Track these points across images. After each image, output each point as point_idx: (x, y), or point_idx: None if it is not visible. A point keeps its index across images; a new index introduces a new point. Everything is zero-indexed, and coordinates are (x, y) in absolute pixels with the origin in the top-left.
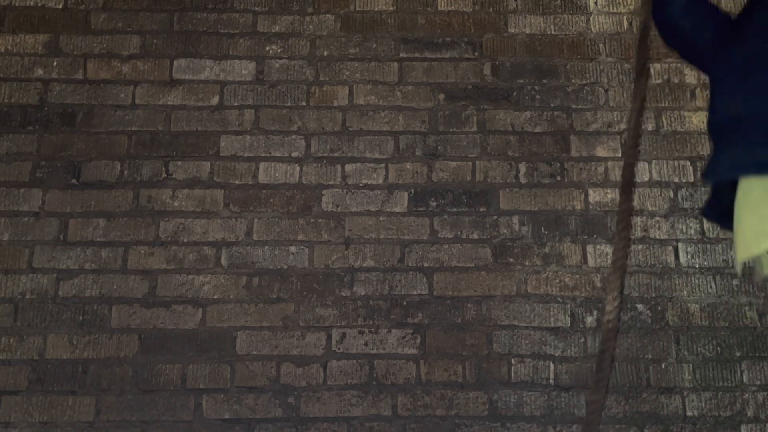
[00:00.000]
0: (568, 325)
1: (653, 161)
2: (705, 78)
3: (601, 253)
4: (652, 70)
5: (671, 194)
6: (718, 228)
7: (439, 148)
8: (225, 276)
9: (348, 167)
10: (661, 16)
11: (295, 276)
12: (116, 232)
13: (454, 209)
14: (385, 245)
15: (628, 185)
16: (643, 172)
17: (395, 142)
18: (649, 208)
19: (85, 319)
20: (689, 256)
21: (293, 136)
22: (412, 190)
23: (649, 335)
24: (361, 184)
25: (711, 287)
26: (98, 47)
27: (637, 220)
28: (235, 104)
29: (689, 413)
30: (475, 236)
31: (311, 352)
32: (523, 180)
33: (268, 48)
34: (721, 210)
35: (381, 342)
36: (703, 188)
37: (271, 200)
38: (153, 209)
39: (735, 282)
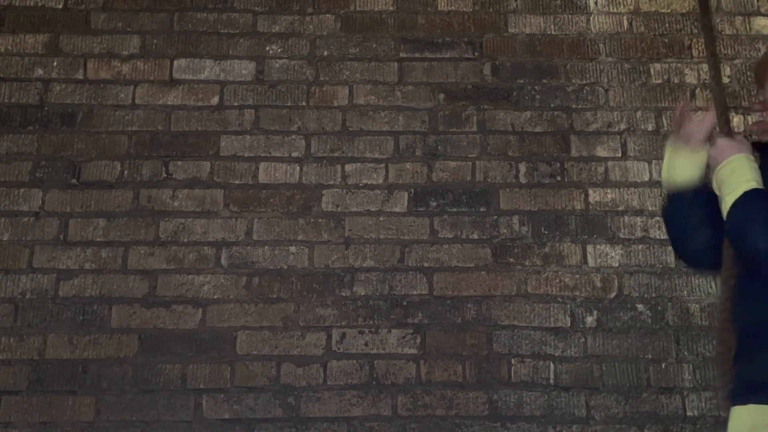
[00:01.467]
0: (568, 325)
1: (653, 161)
2: (705, 77)
3: (601, 253)
4: (651, 70)
5: None
6: None
7: (439, 148)
8: (225, 276)
9: (348, 167)
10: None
11: (295, 276)
12: (116, 232)
13: (454, 209)
14: (385, 245)
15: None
16: (642, 172)
17: (395, 142)
18: (649, 208)
19: (85, 319)
20: None
21: (293, 136)
22: (412, 190)
23: (649, 335)
24: (361, 184)
25: (711, 287)
26: (98, 47)
27: (637, 220)
28: (235, 104)
29: (689, 413)
30: (475, 236)
31: (311, 352)
32: (523, 180)
33: (268, 48)
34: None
35: (381, 342)
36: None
37: (271, 200)
38: (153, 209)
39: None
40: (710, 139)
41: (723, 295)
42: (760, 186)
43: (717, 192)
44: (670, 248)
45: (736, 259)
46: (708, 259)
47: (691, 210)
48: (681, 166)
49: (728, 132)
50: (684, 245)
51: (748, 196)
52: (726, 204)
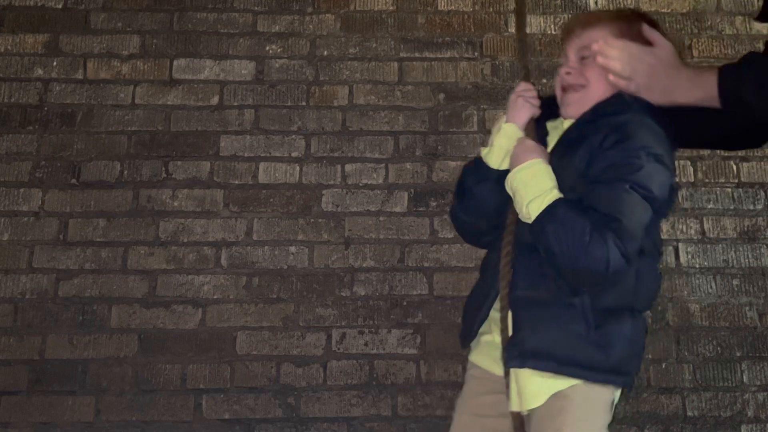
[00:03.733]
0: None
1: None
2: None
3: None
4: None
5: None
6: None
7: (439, 147)
8: (225, 276)
9: (348, 167)
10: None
11: (295, 276)
12: (116, 232)
13: None
14: (385, 245)
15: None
16: None
17: (395, 142)
18: None
19: (85, 319)
20: (689, 256)
21: (293, 136)
22: (412, 190)
23: (649, 335)
24: (361, 184)
25: (711, 287)
26: (98, 47)
27: None
28: (235, 104)
29: (689, 413)
30: None
31: (311, 352)
32: None
33: (268, 48)
34: None
35: (381, 342)
36: (703, 188)
37: (271, 200)
38: (153, 209)
39: (735, 282)
40: (528, 126)
41: (503, 269)
42: (560, 195)
43: (510, 191)
44: (671, 248)
45: (516, 242)
46: (480, 239)
47: (486, 190)
48: (495, 148)
49: (531, 128)
50: (472, 221)
51: (559, 209)
52: (530, 209)
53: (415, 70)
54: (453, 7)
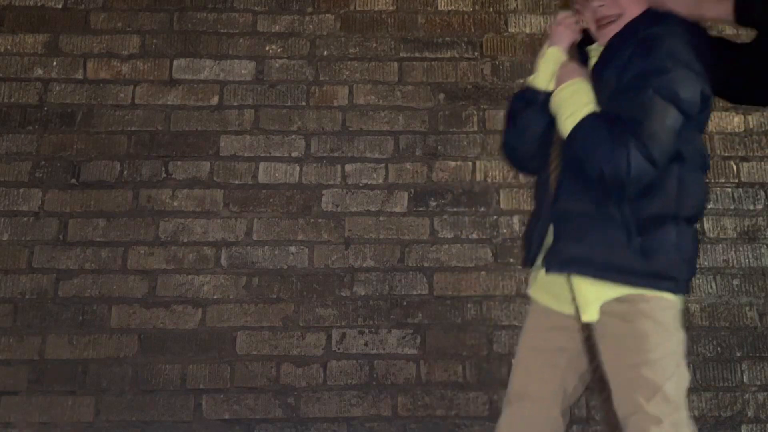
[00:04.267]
0: None
1: None
2: None
3: None
4: None
5: None
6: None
7: (439, 148)
8: (225, 276)
9: (348, 167)
10: None
11: (295, 276)
12: (116, 232)
13: (454, 209)
14: (385, 245)
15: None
16: None
17: (395, 142)
18: None
19: (85, 319)
20: None
21: (293, 136)
22: (412, 190)
23: None
24: (361, 184)
25: (711, 287)
26: (98, 47)
27: None
28: (235, 104)
29: (689, 413)
30: (475, 236)
31: (311, 352)
32: (523, 180)
33: (268, 48)
34: None
35: (381, 342)
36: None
37: (271, 200)
38: (153, 209)
39: (735, 282)
40: (570, 50)
41: (550, 184)
42: (596, 110)
43: (554, 109)
44: None
45: (562, 157)
46: (528, 164)
47: (535, 111)
48: (541, 72)
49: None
50: (521, 146)
51: (588, 120)
52: (566, 125)
53: (415, 70)
54: (453, 7)
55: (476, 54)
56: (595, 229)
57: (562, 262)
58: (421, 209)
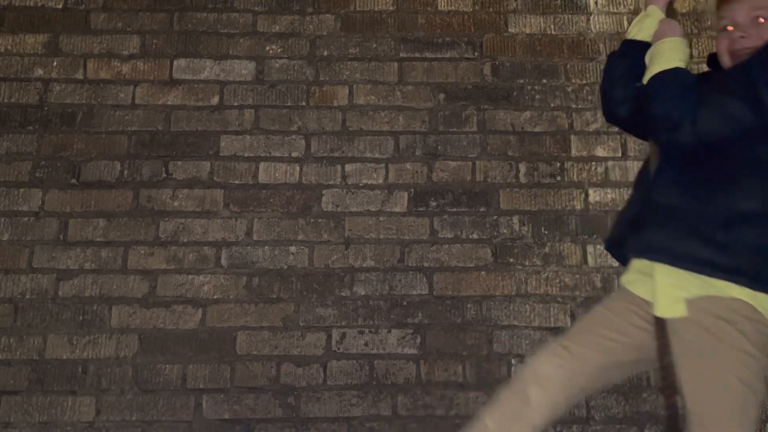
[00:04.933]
0: (568, 325)
1: None
2: None
3: (601, 253)
4: None
5: None
6: None
7: (439, 148)
8: (225, 276)
9: (348, 167)
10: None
11: (295, 276)
12: (116, 232)
13: (454, 209)
14: (385, 245)
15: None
16: None
17: (395, 142)
18: None
19: (85, 319)
20: None
21: (293, 136)
22: (412, 190)
23: None
24: (361, 184)
25: None
26: (98, 47)
27: None
28: (235, 104)
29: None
30: (475, 236)
31: (311, 352)
32: (523, 180)
33: (268, 48)
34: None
35: (381, 342)
36: None
37: (271, 200)
38: (153, 209)
39: None
40: (669, 8)
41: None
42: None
43: (647, 60)
44: None
45: (661, 150)
46: (624, 111)
47: (630, 61)
48: (643, 27)
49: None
50: (611, 91)
51: (675, 71)
52: (652, 71)
53: (415, 70)
54: (453, 7)
55: (476, 54)
56: (681, 221)
57: (644, 248)
58: (421, 209)
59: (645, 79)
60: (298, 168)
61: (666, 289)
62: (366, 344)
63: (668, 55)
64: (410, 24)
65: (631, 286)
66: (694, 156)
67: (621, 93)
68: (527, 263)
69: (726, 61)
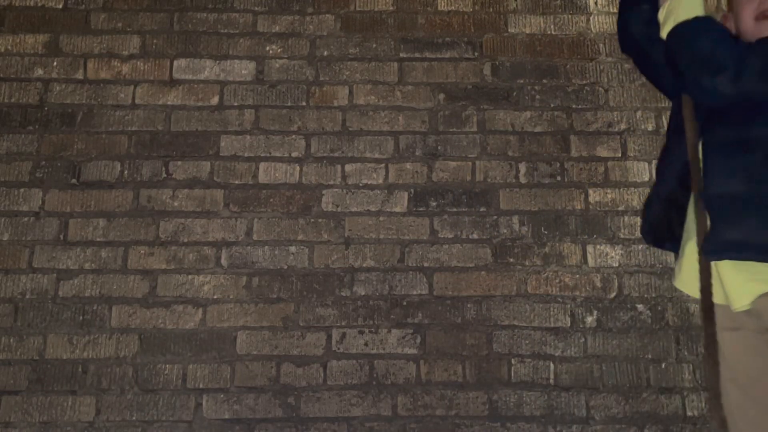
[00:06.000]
0: (568, 325)
1: (653, 161)
2: None
3: (601, 253)
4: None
5: None
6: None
7: (439, 148)
8: (225, 276)
9: (348, 167)
10: (621, 22)
11: (295, 276)
12: (116, 232)
13: (454, 209)
14: (385, 245)
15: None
16: (643, 172)
17: (395, 142)
18: None
19: (85, 319)
20: None
21: (293, 136)
22: (412, 190)
23: (649, 335)
24: (361, 184)
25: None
26: (98, 47)
27: (637, 220)
28: (235, 104)
29: (689, 413)
30: (475, 236)
31: (311, 352)
32: (523, 180)
33: (268, 48)
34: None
35: (381, 342)
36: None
37: (271, 200)
38: (153, 209)
39: None
40: None
41: (693, 170)
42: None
43: (661, 17)
44: None
45: (703, 141)
46: (633, 43)
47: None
48: None
49: None
50: (626, 24)
51: (709, 19)
52: (677, 20)
53: (415, 70)
54: (453, 7)
55: (476, 54)
56: (752, 212)
57: (720, 248)
58: (421, 209)
59: (670, 28)
60: (298, 168)
61: (737, 285)
62: (366, 344)
63: (688, 8)
64: (410, 24)
65: (694, 293)
66: (739, 134)
67: (638, 30)
68: (527, 263)
69: (747, 26)
